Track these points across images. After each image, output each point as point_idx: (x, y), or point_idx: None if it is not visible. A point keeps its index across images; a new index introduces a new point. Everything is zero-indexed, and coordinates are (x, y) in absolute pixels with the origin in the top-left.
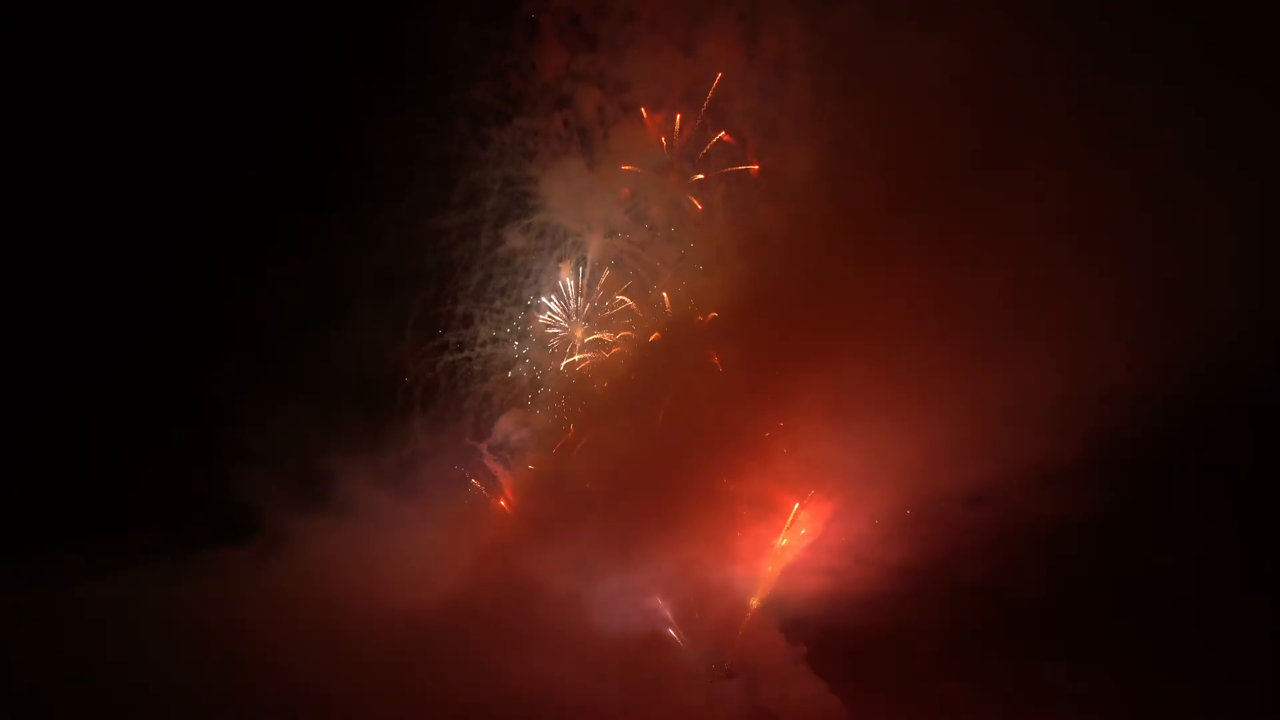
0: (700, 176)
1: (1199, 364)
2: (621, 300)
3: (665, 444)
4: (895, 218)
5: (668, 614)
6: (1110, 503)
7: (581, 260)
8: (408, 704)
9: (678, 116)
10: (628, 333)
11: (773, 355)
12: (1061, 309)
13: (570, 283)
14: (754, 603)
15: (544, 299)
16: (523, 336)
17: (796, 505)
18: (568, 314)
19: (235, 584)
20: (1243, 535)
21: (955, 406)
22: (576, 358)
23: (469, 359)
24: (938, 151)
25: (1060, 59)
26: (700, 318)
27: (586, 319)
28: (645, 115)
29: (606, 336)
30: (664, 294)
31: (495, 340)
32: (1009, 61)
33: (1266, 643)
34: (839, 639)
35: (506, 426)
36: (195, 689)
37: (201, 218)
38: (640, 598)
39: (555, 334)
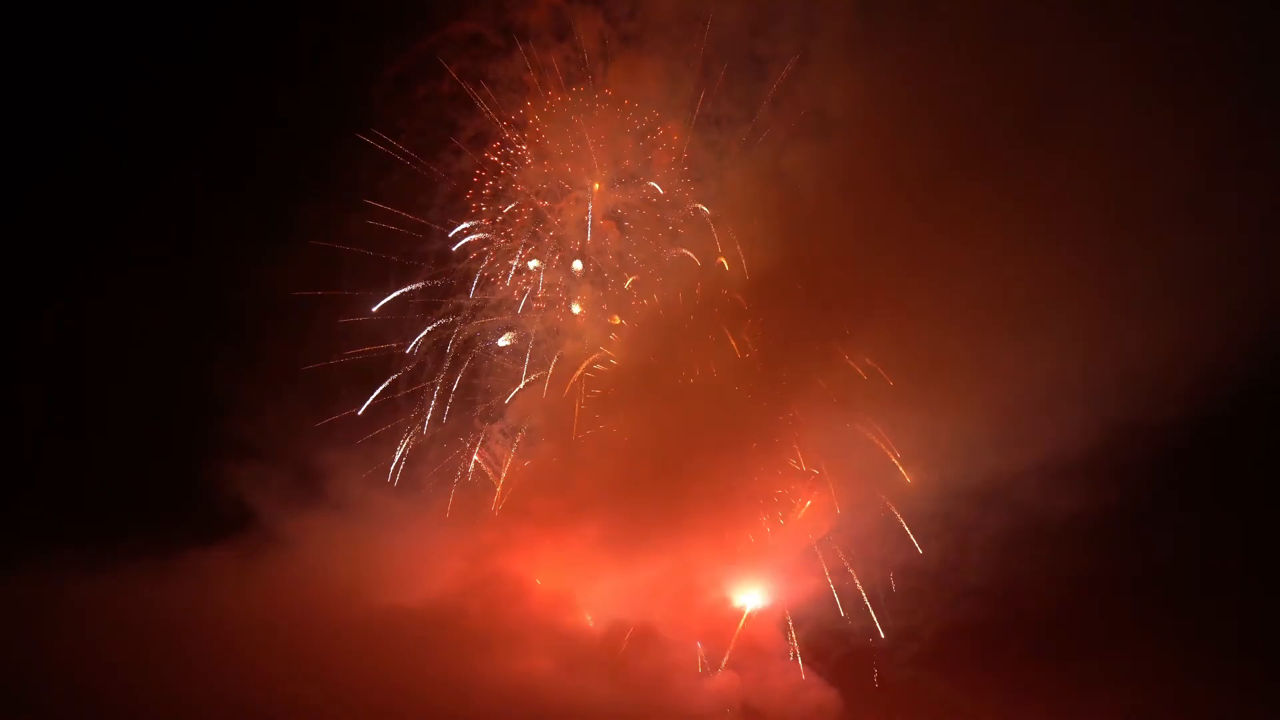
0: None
1: (1220, 353)
2: (631, 267)
3: (670, 433)
4: (931, 177)
5: (664, 609)
6: (1124, 498)
7: (586, 219)
8: (401, 703)
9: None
10: (637, 302)
11: (785, 339)
12: (1082, 294)
13: (573, 245)
14: (752, 599)
15: (545, 264)
16: (525, 308)
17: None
18: (571, 283)
19: (224, 582)
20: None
21: (968, 399)
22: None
23: (471, 336)
24: (987, 101)
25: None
26: (724, 292)
27: (594, 285)
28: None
29: (614, 312)
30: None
31: (496, 311)
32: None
33: None
34: (838, 637)
35: (511, 409)
36: (184, 687)
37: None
38: (637, 593)
39: (555, 304)
